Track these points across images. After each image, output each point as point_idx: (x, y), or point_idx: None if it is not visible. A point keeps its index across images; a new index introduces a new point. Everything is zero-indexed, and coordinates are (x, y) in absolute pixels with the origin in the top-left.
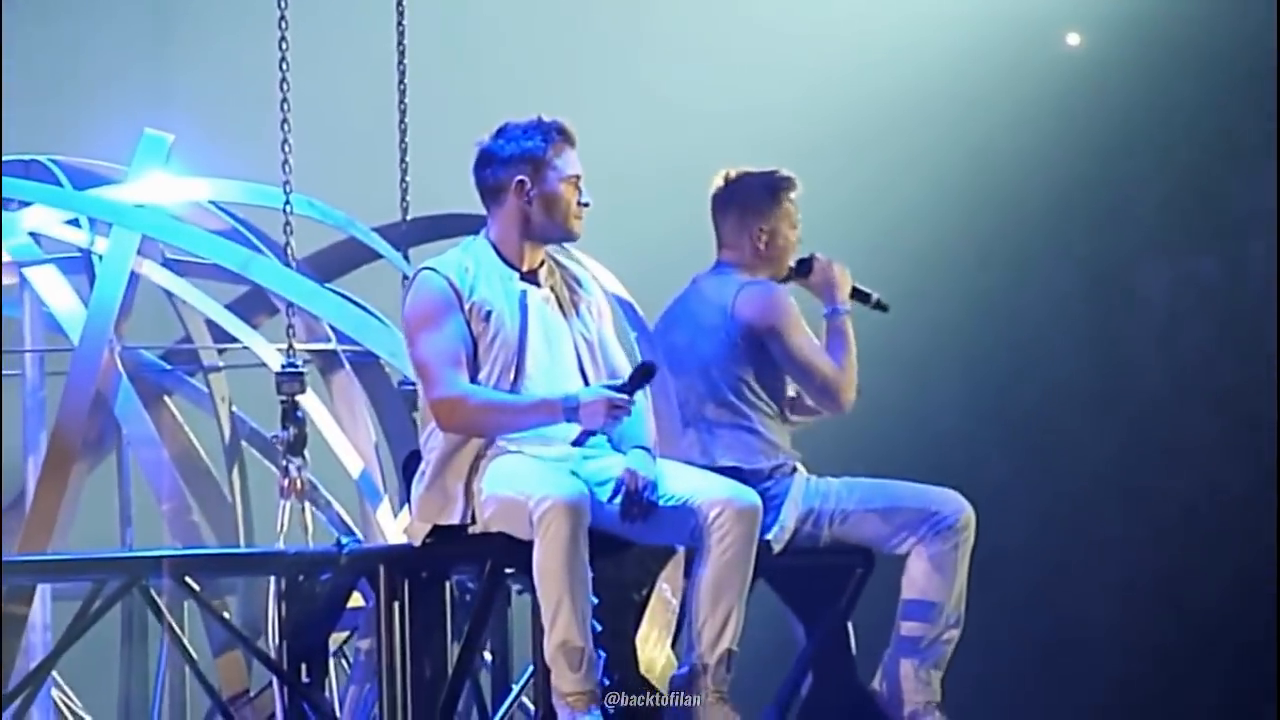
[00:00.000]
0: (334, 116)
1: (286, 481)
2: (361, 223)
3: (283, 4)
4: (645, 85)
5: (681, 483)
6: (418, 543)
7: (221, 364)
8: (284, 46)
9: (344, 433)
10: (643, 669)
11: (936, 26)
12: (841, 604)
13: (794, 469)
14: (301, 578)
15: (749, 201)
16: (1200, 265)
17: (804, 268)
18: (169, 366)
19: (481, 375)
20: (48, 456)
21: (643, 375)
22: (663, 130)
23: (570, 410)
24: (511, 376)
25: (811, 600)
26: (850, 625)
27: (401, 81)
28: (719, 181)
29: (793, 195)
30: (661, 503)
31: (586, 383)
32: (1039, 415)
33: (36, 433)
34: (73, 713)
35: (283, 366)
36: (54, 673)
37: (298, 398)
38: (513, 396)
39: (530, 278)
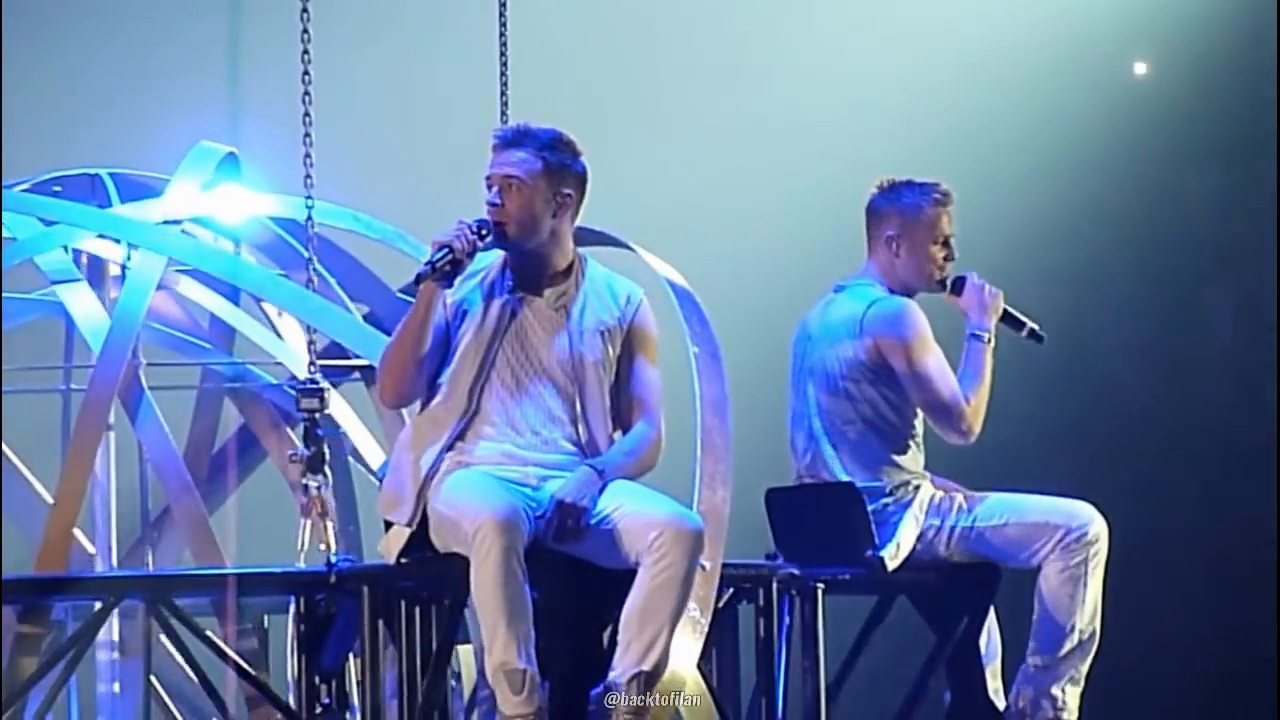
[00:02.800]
0: (434, 132)
1: (306, 499)
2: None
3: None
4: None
5: (628, 504)
6: (391, 560)
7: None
8: (306, 60)
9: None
10: (669, 687)
11: (1010, 53)
12: (964, 622)
13: (917, 487)
14: (319, 598)
15: (896, 211)
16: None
17: (957, 285)
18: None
19: (448, 371)
20: (64, 473)
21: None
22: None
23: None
24: (474, 374)
25: (944, 617)
26: (989, 640)
27: (504, 95)
28: (873, 189)
29: (942, 209)
30: (607, 524)
31: (570, 403)
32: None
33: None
34: None
35: (302, 382)
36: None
37: (318, 414)
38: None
39: (531, 287)
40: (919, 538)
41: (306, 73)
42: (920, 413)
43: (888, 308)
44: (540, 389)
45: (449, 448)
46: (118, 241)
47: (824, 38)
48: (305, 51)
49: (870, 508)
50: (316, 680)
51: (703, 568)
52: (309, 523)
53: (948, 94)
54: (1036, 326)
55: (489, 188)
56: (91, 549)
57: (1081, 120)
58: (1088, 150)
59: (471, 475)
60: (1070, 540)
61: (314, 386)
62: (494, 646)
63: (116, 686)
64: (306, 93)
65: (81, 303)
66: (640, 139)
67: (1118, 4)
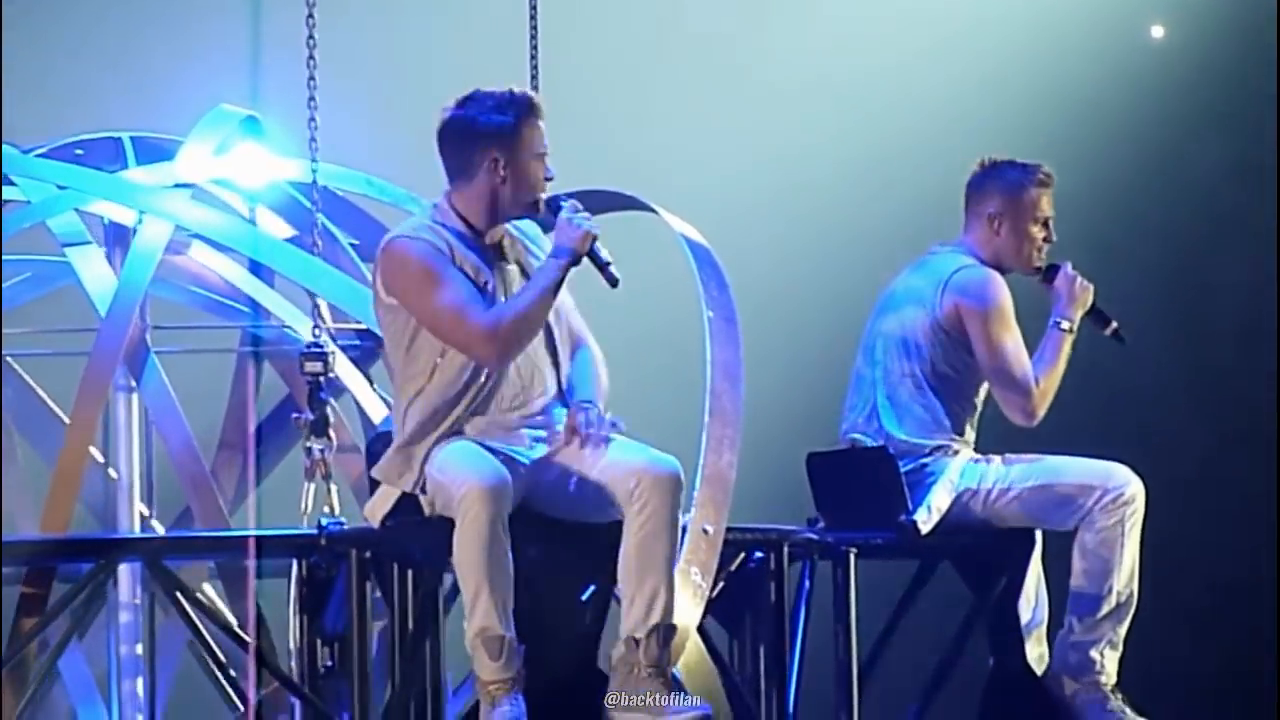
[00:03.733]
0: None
1: (309, 462)
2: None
3: None
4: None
5: (604, 456)
6: (376, 523)
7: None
8: (310, 24)
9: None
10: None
11: (1024, 16)
12: (1000, 585)
13: (956, 451)
14: (315, 561)
15: (999, 189)
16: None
17: (1050, 273)
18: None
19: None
20: (67, 436)
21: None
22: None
23: (555, 250)
24: None
25: (982, 581)
26: (1036, 605)
27: (534, 60)
28: (975, 166)
29: (1044, 190)
30: (586, 479)
31: (554, 345)
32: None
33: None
34: None
35: (306, 345)
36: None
37: (322, 378)
38: (519, 294)
39: (496, 250)
40: (954, 502)
41: (311, 37)
42: (982, 391)
43: (974, 275)
44: (531, 353)
45: (452, 418)
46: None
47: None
48: (310, 15)
49: (906, 468)
50: (319, 643)
51: (705, 532)
52: (312, 486)
53: (961, 58)
54: (1119, 327)
55: (545, 164)
56: (145, 510)
57: (1098, 85)
58: (1103, 115)
59: (464, 445)
60: (1107, 501)
61: (318, 350)
62: (475, 612)
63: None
64: (311, 56)
65: (91, 267)
66: (688, 106)
67: None
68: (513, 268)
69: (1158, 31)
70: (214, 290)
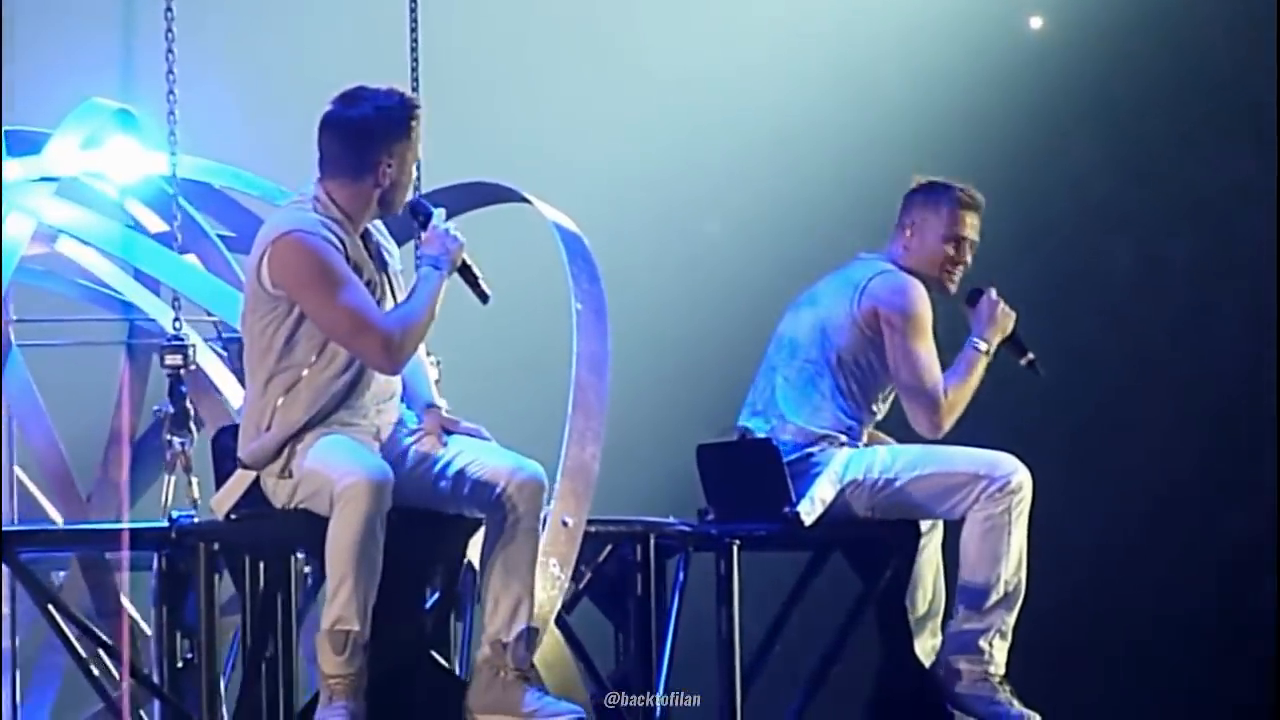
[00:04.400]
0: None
1: (170, 455)
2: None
3: None
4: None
5: (467, 455)
6: (221, 516)
7: None
8: (169, 17)
9: None
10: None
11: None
12: (886, 576)
13: (842, 444)
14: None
15: (920, 201)
16: (1171, 245)
17: (973, 296)
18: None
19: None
20: None
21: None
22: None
23: (431, 259)
24: None
25: (871, 571)
26: (934, 597)
27: (414, 52)
28: (911, 183)
29: (963, 210)
30: (446, 474)
31: None
32: None
33: None
34: None
35: (167, 339)
36: None
37: (182, 370)
38: (409, 301)
39: (365, 245)
40: (839, 493)
41: (170, 30)
42: (883, 399)
43: (895, 280)
44: None
45: (326, 411)
46: None
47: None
48: (168, 9)
49: (791, 457)
50: (179, 636)
51: (565, 524)
52: (173, 479)
53: (838, 47)
54: (1036, 360)
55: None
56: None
57: (976, 77)
58: (981, 107)
59: (341, 439)
60: (993, 490)
61: (178, 343)
62: (333, 603)
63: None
64: (170, 50)
65: None
66: (574, 93)
67: None
68: (385, 265)
69: (1036, 23)
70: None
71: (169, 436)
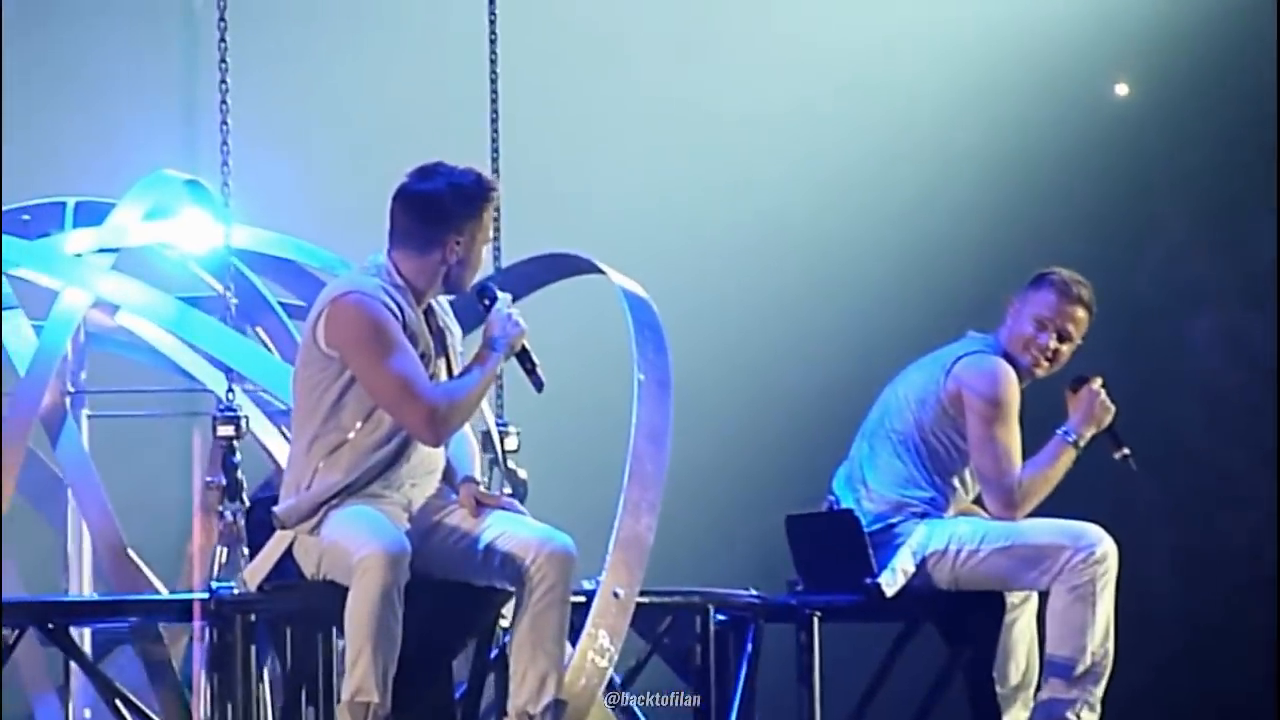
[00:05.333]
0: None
1: (222, 526)
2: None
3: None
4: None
5: (497, 527)
6: (254, 587)
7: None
8: (224, 89)
9: None
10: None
11: (988, 71)
12: (971, 648)
13: (923, 513)
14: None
15: (1028, 287)
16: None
17: (1076, 384)
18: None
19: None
20: None
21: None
22: None
23: (492, 342)
24: None
25: (955, 643)
26: (1027, 667)
27: (494, 128)
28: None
29: (1065, 300)
30: (478, 546)
31: None
32: None
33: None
34: None
35: (219, 410)
36: None
37: (235, 441)
38: (459, 378)
39: (428, 318)
40: (922, 564)
41: (224, 102)
42: (970, 477)
43: (983, 362)
44: None
45: (365, 479)
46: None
47: (805, 51)
48: (223, 81)
49: (873, 528)
50: (228, 705)
51: (616, 595)
52: (223, 549)
53: (925, 110)
54: (1131, 455)
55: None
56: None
57: (1062, 141)
58: (1068, 171)
59: (363, 509)
60: (1078, 561)
61: (231, 414)
62: (353, 674)
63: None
64: (224, 122)
65: (15, 331)
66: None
67: (1099, 22)
68: (444, 339)
69: (1122, 89)
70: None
71: (220, 508)
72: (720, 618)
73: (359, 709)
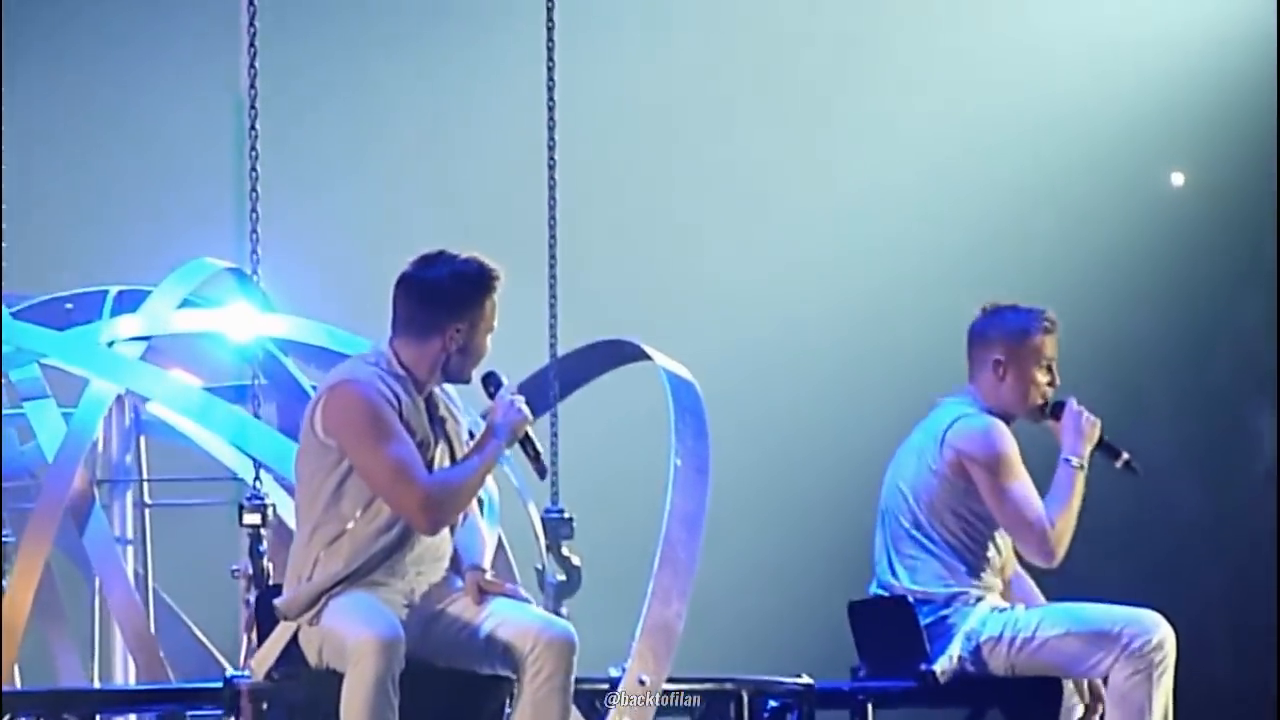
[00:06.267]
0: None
1: (246, 615)
2: None
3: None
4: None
5: (498, 615)
6: (261, 675)
7: None
8: (254, 177)
9: None
10: None
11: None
12: None
13: (978, 599)
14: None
15: (1002, 335)
16: None
17: (1056, 409)
18: None
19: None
20: (9, 585)
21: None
22: None
23: (494, 429)
24: None
25: None
26: None
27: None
28: (977, 312)
29: (1048, 335)
30: (479, 634)
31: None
32: None
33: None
34: None
35: (246, 498)
36: None
37: (261, 529)
38: (457, 465)
39: (429, 405)
40: (977, 650)
41: (254, 191)
42: (999, 537)
43: (974, 425)
44: None
45: (366, 568)
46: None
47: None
48: (253, 169)
49: (928, 620)
50: None
51: (642, 682)
52: (251, 635)
53: (987, 200)
54: (1131, 458)
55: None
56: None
57: (1118, 228)
58: (1125, 259)
59: (360, 596)
60: (1135, 648)
61: (257, 502)
62: None
63: None
64: (254, 210)
65: (45, 419)
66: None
67: (1154, 113)
68: (444, 427)
69: (1178, 179)
70: None
71: (246, 596)
72: (773, 704)
73: None
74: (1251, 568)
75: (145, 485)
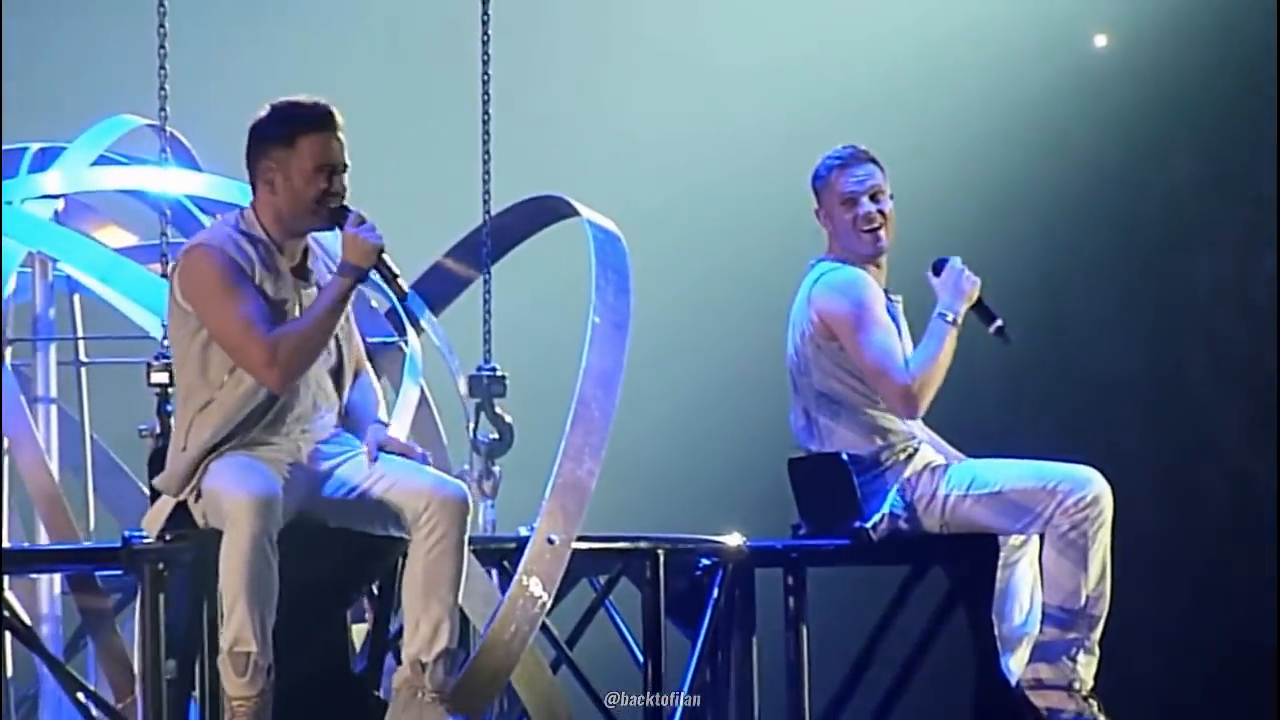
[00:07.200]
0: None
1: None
2: None
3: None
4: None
5: (391, 476)
6: (153, 536)
7: None
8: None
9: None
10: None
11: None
12: (966, 593)
13: (909, 454)
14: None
15: (816, 184)
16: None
17: (937, 266)
18: None
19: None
20: None
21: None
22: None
23: (340, 267)
24: None
25: (952, 587)
26: (1030, 611)
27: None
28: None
29: (839, 171)
30: (371, 495)
31: (340, 368)
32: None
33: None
34: None
35: (155, 356)
36: None
37: (170, 389)
38: (301, 317)
39: (299, 268)
40: (910, 507)
41: (162, 46)
42: None
43: (830, 280)
44: (317, 375)
45: (242, 434)
46: None
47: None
48: (161, 25)
49: (861, 479)
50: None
51: (550, 541)
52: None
53: (898, 61)
54: (1004, 325)
55: (329, 178)
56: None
57: (1040, 92)
58: (1047, 122)
59: (239, 457)
60: (1069, 504)
61: (164, 360)
62: (229, 624)
63: None
64: (162, 66)
65: None
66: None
67: None
68: (312, 290)
69: (1101, 40)
70: None
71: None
72: (705, 563)
73: (239, 659)
74: (1185, 422)
75: (81, 344)
